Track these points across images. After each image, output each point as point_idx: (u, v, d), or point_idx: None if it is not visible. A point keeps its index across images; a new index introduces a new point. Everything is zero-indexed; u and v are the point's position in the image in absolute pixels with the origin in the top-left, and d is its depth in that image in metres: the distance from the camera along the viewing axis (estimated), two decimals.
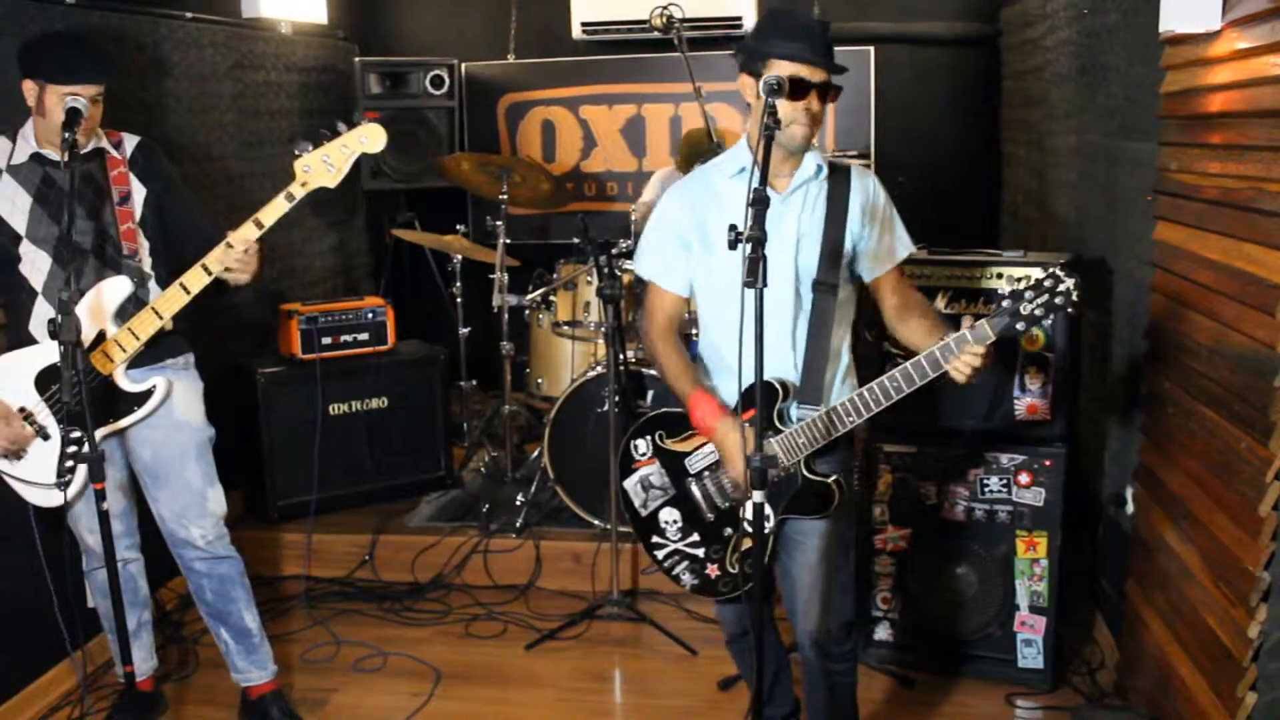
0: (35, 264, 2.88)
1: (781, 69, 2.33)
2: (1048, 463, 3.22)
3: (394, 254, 5.78)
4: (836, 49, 2.41)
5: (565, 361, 4.62)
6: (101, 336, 2.87)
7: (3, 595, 3.26)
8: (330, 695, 3.49)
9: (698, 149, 4.65)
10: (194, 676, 3.60)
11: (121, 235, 2.93)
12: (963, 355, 2.30)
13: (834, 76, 2.39)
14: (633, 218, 4.68)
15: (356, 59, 5.59)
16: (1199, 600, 2.62)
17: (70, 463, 2.76)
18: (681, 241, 2.57)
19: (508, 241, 4.64)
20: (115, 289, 2.89)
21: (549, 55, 6.03)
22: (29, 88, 2.79)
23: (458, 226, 5.01)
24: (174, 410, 3.02)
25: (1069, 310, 2.27)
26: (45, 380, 2.85)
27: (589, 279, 4.37)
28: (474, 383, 5.19)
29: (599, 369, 4.16)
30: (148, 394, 2.95)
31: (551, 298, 4.56)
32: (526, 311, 4.69)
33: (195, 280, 2.82)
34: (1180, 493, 2.78)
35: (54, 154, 2.87)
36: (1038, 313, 2.26)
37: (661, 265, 2.62)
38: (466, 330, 5.03)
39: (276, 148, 5.02)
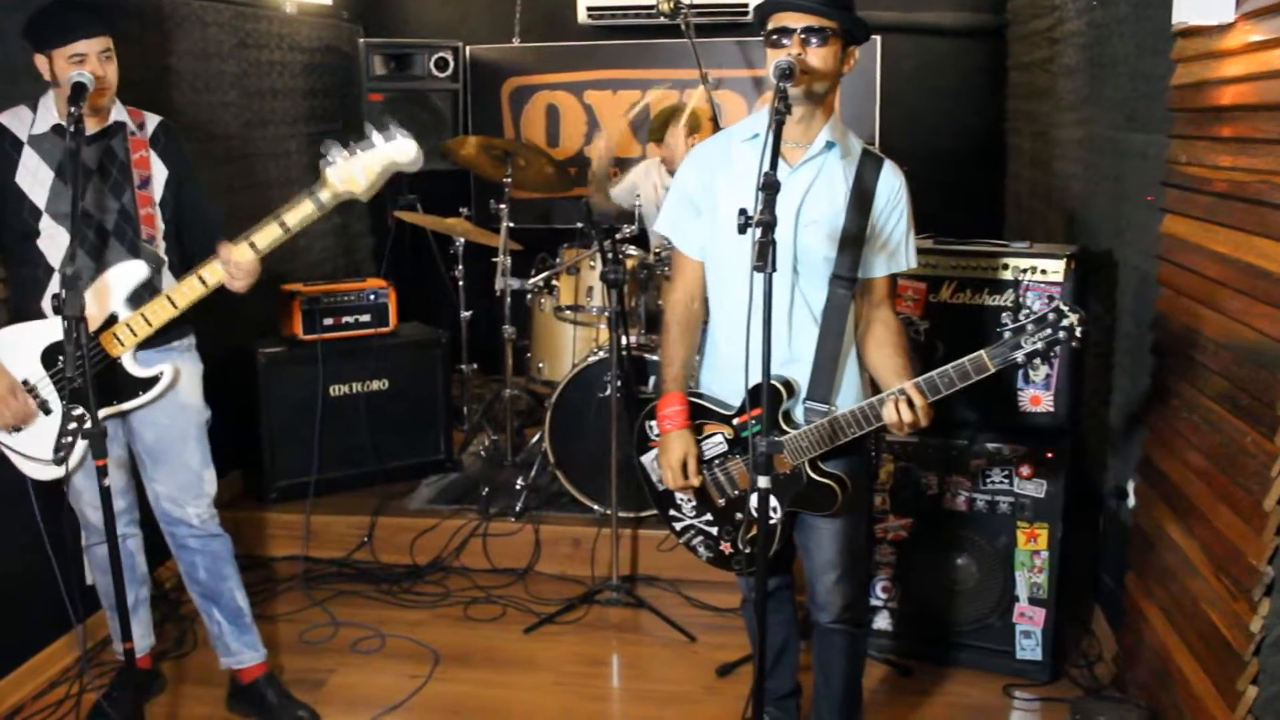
0: (55, 240, 2.84)
1: (773, 21, 2.35)
2: (1050, 455, 3.22)
3: (396, 236, 5.76)
4: None
5: (567, 346, 4.61)
6: (112, 319, 2.85)
7: (1, 571, 3.26)
8: (328, 676, 3.49)
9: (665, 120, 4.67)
10: (192, 654, 3.60)
11: (142, 219, 2.90)
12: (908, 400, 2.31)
13: (822, 19, 2.33)
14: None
15: (361, 40, 5.56)
16: (1200, 594, 2.62)
17: (69, 438, 2.75)
18: (691, 203, 2.57)
19: (510, 225, 4.63)
20: (130, 273, 2.86)
21: (554, 39, 6.00)
22: (40, 62, 2.74)
23: (461, 209, 5.00)
24: (179, 393, 3.01)
25: (1073, 344, 2.27)
26: (51, 356, 2.83)
27: (592, 264, 4.35)
28: (475, 366, 5.18)
29: (601, 354, 4.15)
30: (154, 380, 2.94)
31: (554, 282, 4.54)
32: (529, 295, 4.67)
33: (213, 275, 2.81)
34: (1183, 486, 2.78)
35: None
36: (1039, 346, 2.27)
37: (674, 225, 2.63)
38: (468, 313, 5.03)
39: (280, 128, 4.99)
